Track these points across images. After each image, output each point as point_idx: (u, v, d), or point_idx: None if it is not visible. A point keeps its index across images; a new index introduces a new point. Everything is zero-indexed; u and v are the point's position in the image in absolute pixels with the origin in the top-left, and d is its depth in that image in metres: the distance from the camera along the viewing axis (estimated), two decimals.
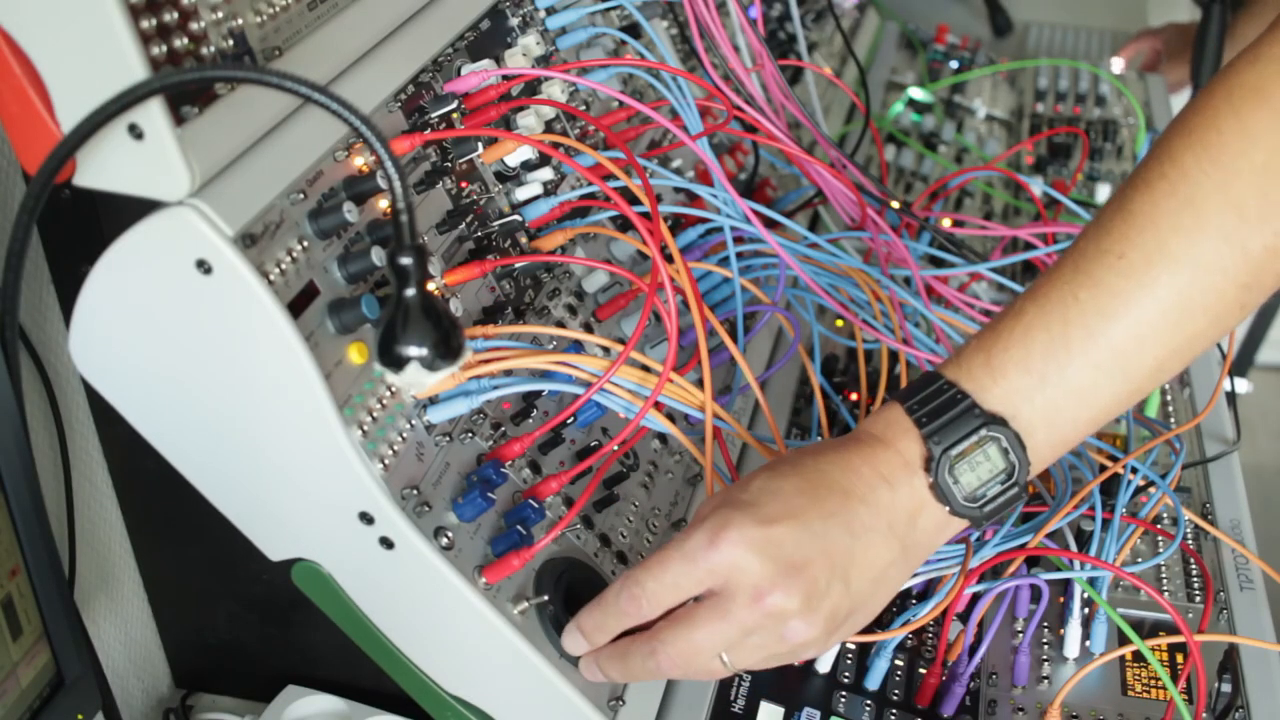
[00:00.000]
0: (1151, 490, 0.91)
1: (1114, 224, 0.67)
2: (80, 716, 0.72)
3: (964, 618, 0.85)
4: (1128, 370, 0.66)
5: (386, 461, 0.67)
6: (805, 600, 0.64)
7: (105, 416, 0.76)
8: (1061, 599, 0.87)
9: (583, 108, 0.98)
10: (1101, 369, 0.66)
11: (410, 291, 0.57)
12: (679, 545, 0.66)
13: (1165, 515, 0.94)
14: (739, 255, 0.97)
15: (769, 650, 0.67)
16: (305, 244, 0.66)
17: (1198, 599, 0.88)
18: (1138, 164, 0.69)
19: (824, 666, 0.83)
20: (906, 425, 0.67)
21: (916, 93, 1.59)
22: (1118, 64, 1.72)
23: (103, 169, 0.60)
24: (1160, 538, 0.92)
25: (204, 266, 0.60)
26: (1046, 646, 0.85)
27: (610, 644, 0.69)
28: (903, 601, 0.86)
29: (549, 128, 0.92)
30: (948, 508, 0.67)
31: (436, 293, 0.67)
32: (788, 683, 0.82)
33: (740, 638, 0.65)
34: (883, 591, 0.68)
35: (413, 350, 0.57)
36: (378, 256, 0.69)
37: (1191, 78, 1.69)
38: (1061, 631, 0.85)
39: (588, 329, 0.89)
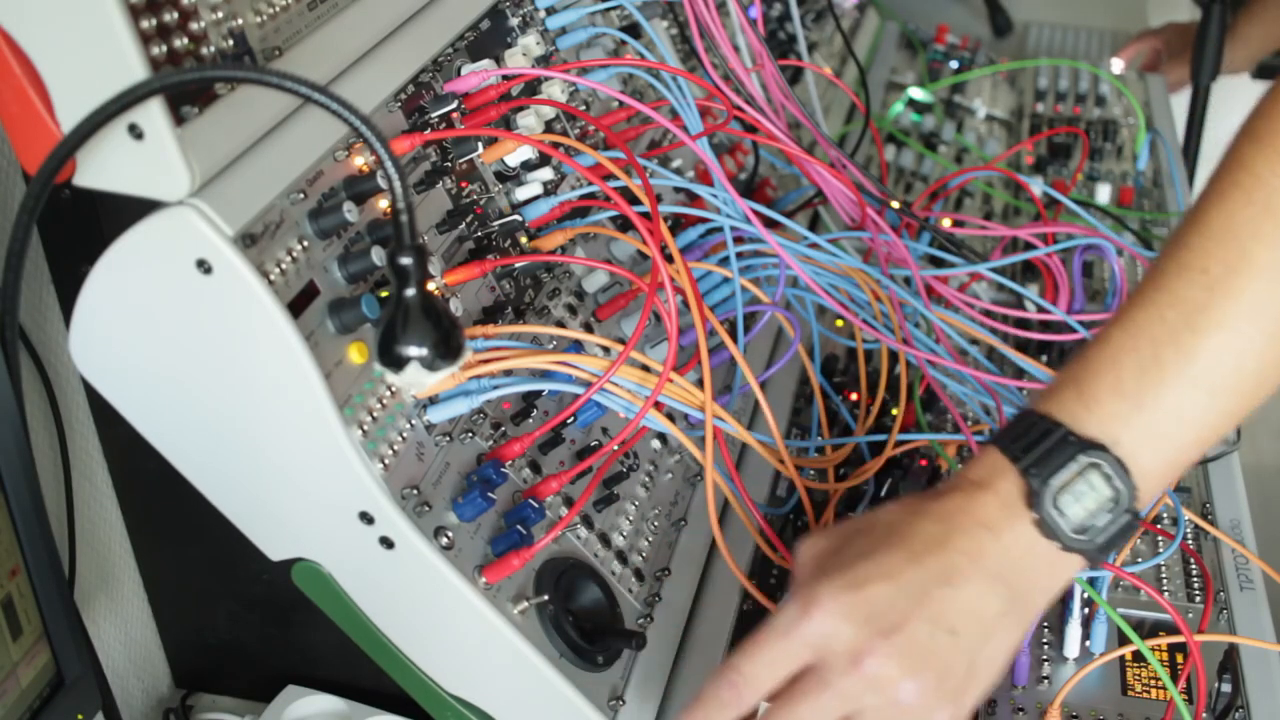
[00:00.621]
0: None
1: (1192, 239, 0.65)
2: (80, 716, 0.72)
3: None
4: (1227, 385, 0.64)
5: (386, 461, 0.67)
6: (907, 660, 0.61)
7: (105, 416, 0.76)
8: (1061, 599, 0.87)
9: (583, 108, 0.98)
10: (1199, 385, 0.64)
11: (410, 291, 0.57)
12: (771, 622, 0.64)
13: (1165, 515, 0.94)
14: (739, 255, 0.97)
15: None
16: (305, 244, 0.66)
17: (1198, 599, 0.88)
18: (1210, 176, 0.67)
19: None
20: (1003, 465, 0.65)
21: (916, 93, 1.59)
22: (1118, 64, 1.72)
23: (103, 169, 0.60)
24: (1160, 538, 0.92)
25: (204, 266, 0.60)
26: (1046, 646, 0.85)
27: None
28: None
29: (549, 128, 0.92)
30: (1058, 544, 0.64)
31: (436, 293, 0.67)
32: None
33: (851, 709, 0.62)
34: (999, 642, 0.64)
35: (413, 350, 0.57)
36: (378, 256, 0.69)
37: (1192, 77, 1.69)
38: (1061, 631, 0.85)
39: (588, 329, 0.89)
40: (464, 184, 0.83)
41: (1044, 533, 0.64)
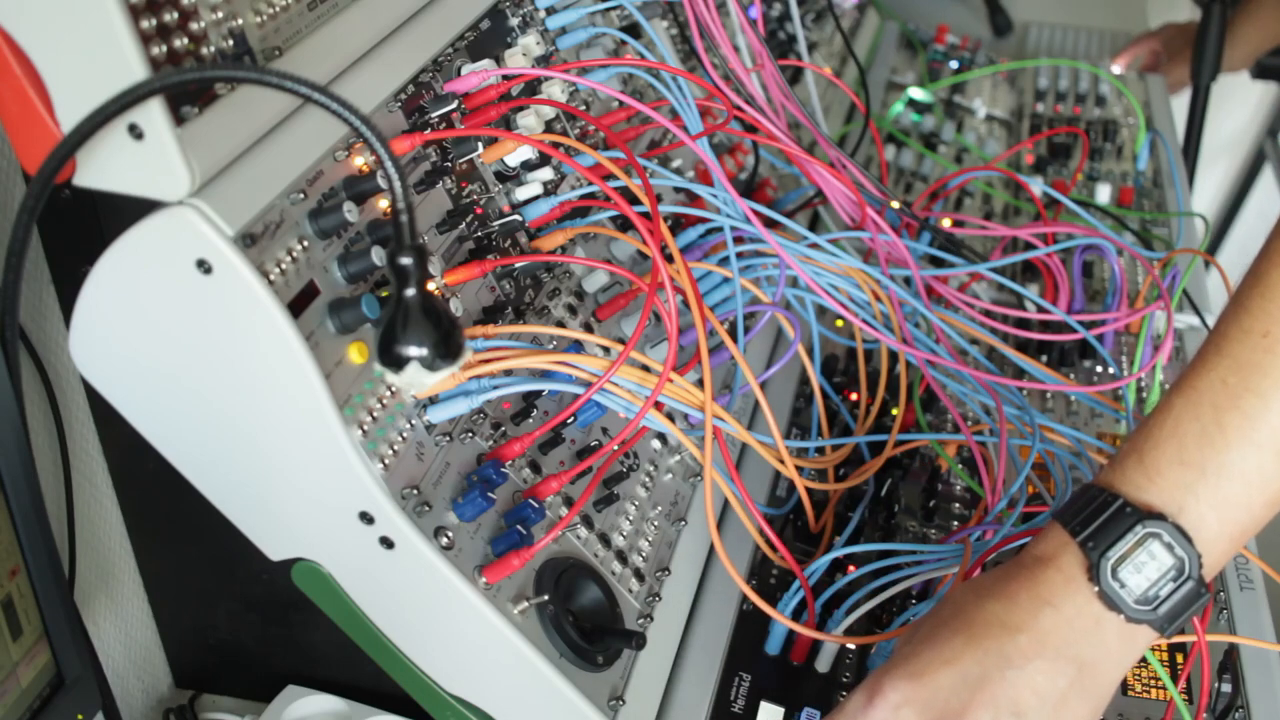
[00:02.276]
0: None
1: (1252, 302, 0.65)
2: (80, 716, 0.72)
3: None
4: None
5: (386, 461, 0.67)
6: None
7: (105, 416, 0.76)
8: None
9: (583, 108, 0.98)
10: (1266, 449, 0.63)
11: (410, 291, 0.57)
12: (840, 708, 0.65)
13: None
14: (739, 255, 0.97)
15: None
16: (305, 244, 0.66)
17: None
18: (1270, 235, 0.67)
19: (824, 666, 0.83)
20: (1064, 539, 0.65)
21: (916, 93, 1.59)
22: (1118, 69, 1.72)
23: (103, 169, 0.60)
24: None
25: (204, 266, 0.60)
26: None
27: None
28: (903, 602, 0.86)
29: (549, 128, 0.92)
30: (1122, 615, 0.64)
31: (436, 293, 0.67)
32: (788, 683, 0.82)
33: None
34: (1077, 715, 0.64)
35: (413, 350, 0.57)
36: (378, 256, 0.69)
37: (1192, 77, 1.69)
38: None
39: (588, 329, 0.89)
40: (464, 184, 0.83)
41: (1107, 605, 0.64)
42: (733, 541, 0.90)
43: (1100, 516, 0.65)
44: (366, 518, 0.67)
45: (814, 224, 1.26)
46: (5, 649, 0.66)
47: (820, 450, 0.98)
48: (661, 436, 0.92)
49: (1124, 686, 0.83)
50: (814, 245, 1.00)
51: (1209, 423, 0.64)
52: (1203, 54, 1.66)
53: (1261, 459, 0.63)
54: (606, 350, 0.84)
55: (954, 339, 1.02)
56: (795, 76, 1.42)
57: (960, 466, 0.98)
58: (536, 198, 0.87)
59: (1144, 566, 0.63)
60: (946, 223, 1.19)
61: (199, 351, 0.64)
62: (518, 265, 0.83)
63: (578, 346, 0.83)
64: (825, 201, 1.15)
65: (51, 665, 0.70)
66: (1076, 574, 0.64)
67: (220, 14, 0.62)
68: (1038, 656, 0.63)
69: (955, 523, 0.96)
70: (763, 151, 1.24)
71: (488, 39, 0.90)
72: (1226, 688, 0.81)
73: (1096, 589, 0.64)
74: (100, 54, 0.56)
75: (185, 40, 0.59)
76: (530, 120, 0.85)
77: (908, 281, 1.06)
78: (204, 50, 0.61)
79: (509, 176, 0.87)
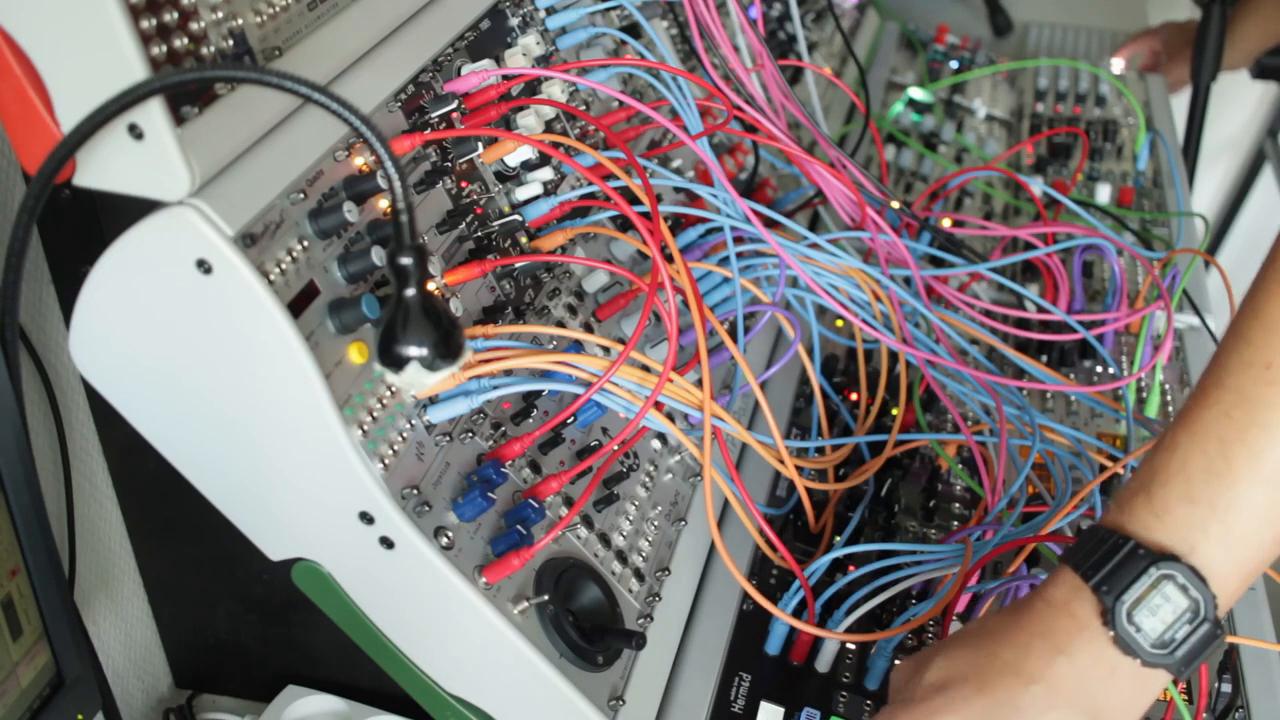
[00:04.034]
0: None
1: (1253, 333, 0.64)
2: (80, 716, 0.72)
3: (964, 618, 0.85)
4: None
5: (386, 461, 0.67)
6: None
7: (105, 416, 0.76)
8: None
9: (583, 108, 0.98)
10: (1273, 484, 0.62)
11: (410, 291, 0.57)
12: None
13: None
14: (739, 255, 0.97)
15: None
16: (305, 244, 0.66)
17: None
18: (1261, 266, 0.65)
19: (824, 666, 0.83)
20: (1076, 584, 0.64)
21: (916, 93, 1.59)
22: (1117, 64, 1.72)
23: (103, 169, 0.60)
24: None
25: (204, 266, 0.60)
26: None
27: None
28: (903, 601, 0.86)
29: (549, 128, 0.92)
30: (1138, 660, 0.62)
31: (436, 293, 0.67)
32: (788, 683, 0.82)
33: None
34: None
35: (413, 350, 0.57)
36: (378, 256, 0.69)
37: (1192, 77, 1.69)
38: None
39: (588, 329, 0.89)
40: (464, 184, 0.83)
41: (1123, 650, 0.63)
42: (733, 541, 0.90)
43: (1112, 560, 0.63)
44: (366, 518, 0.67)
45: (814, 224, 1.26)
46: (5, 649, 0.66)
47: (820, 450, 0.98)
48: (661, 436, 0.92)
49: None
50: (814, 245, 1.00)
51: (1215, 458, 0.62)
52: (1203, 53, 1.66)
53: (1270, 494, 0.62)
54: (606, 350, 0.84)
55: (954, 339, 1.02)
56: (795, 76, 1.42)
57: (960, 466, 0.98)
58: (536, 198, 0.87)
59: (1159, 609, 0.62)
60: (946, 223, 1.19)
61: (199, 351, 0.64)
62: (518, 265, 0.83)
63: (578, 346, 0.83)
64: (825, 201, 1.15)
65: (51, 665, 0.70)
66: (1090, 620, 0.63)
67: (220, 14, 0.62)
68: (1050, 708, 0.62)
69: (955, 523, 0.96)
70: (763, 151, 1.24)
71: (488, 39, 0.90)
72: (1226, 688, 0.81)
73: (1112, 634, 0.62)
74: (100, 54, 0.56)
75: (185, 40, 0.59)
76: (530, 120, 0.85)
77: (908, 281, 1.06)
78: (204, 50, 0.61)
79: (509, 176, 0.87)
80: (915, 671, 0.67)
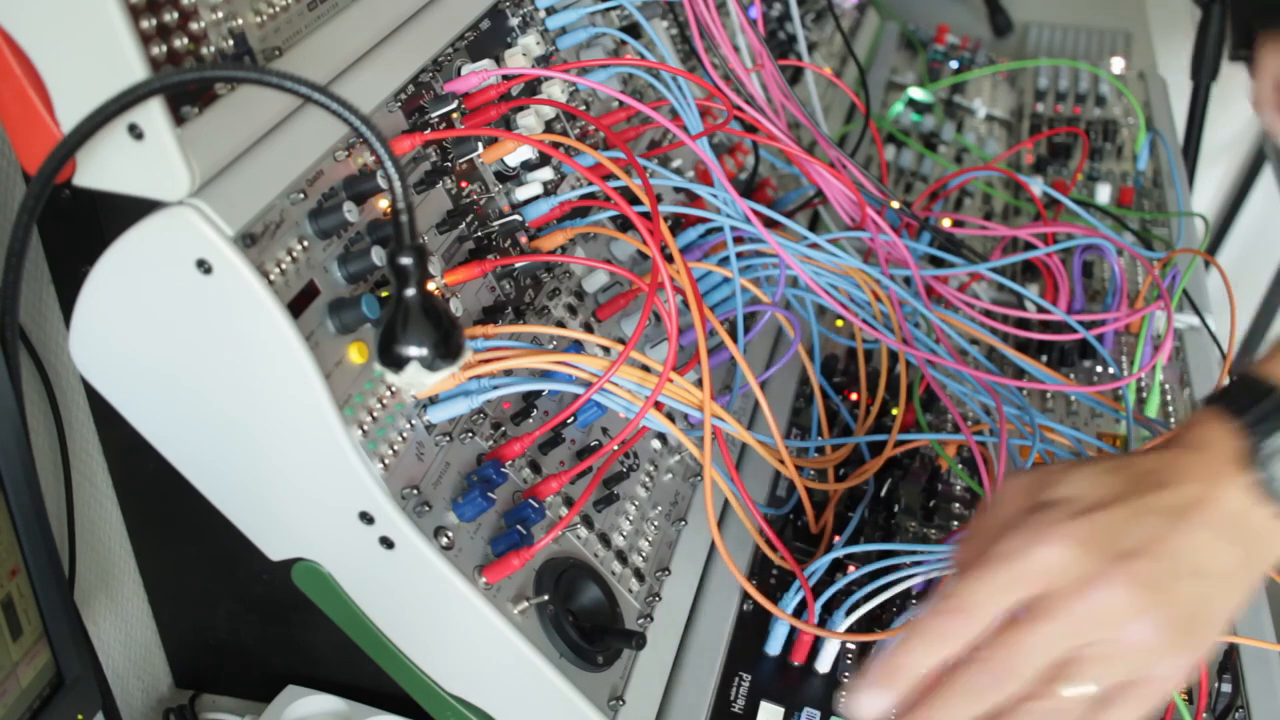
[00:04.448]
0: None
1: None
2: (80, 716, 0.72)
3: None
4: None
5: (386, 461, 0.67)
6: (1138, 593, 0.56)
7: (105, 416, 0.76)
8: None
9: (583, 108, 0.98)
10: None
11: (410, 291, 0.57)
12: (994, 552, 0.58)
13: None
14: (739, 255, 0.97)
15: (1112, 666, 0.57)
16: (305, 244, 0.66)
17: None
18: None
19: (824, 666, 0.83)
20: (1219, 425, 0.61)
21: (916, 93, 1.59)
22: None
23: (103, 169, 0.60)
24: None
25: (204, 266, 0.60)
26: None
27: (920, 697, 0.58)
28: (903, 601, 0.86)
29: (549, 128, 0.92)
30: (1275, 507, 0.59)
31: (436, 293, 0.67)
32: (788, 683, 0.82)
33: (1072, 646, 0.57)
34: (1231, 601, 0.59)
35: (413, 350, 0.57)
36: (378, 256, 0.69)
37: (1192, 77, 1.68)
38: None
39: (588, 329, 0.89)
40: (464, 184, 0.83)
41: (1260, 495, 0.59)
42: (733, 541, 0.90)
43: (1263, 404, 0.61)
44: (366, 518, 0.67)
45: (814, 224, 1.26)
46: (5, 649, 0.66)
47: (820, 450, 0.98)
48: (661, 436, 0.92)
49: None
50: (814, 245, 1.00)
51: None
52: (1202, 54, 1.66)
53: None
54: (606, 350, 0.84)
55: (954, 339, 1.02)
56: (795, 76, 1.42)
57: (960, 466, 0.98)
58: (536, 198, 0.87)
59: None
60: (946, 223, 1.19)
61: (199, 351, 0.64)
62: (518, 265, 0.83)
63: (578, 346, 0.83)
64: (825, 201, 1.15)
65: (51, 665, 0.70)
66: (1229, 462, 0.60)
67: (220, 14, 0.62)
68: (1204, 525, 0.58)
69: (955, 523, 0.96)
70: (763, 151, 1.24)
71: (488, 39, 0.90)
72: (1226, 688, 0.81)
73: (1252, 478, 0.59)
74: (100, 54, 0.56)
75: (185, 40, 0.59)
76: (530, 120, 0.85)
77: (908, 281, 1.06)
78: (204, 50, 0.61)
79: (509, 176, 0.87)
80: (1039, 487, 0.61)
